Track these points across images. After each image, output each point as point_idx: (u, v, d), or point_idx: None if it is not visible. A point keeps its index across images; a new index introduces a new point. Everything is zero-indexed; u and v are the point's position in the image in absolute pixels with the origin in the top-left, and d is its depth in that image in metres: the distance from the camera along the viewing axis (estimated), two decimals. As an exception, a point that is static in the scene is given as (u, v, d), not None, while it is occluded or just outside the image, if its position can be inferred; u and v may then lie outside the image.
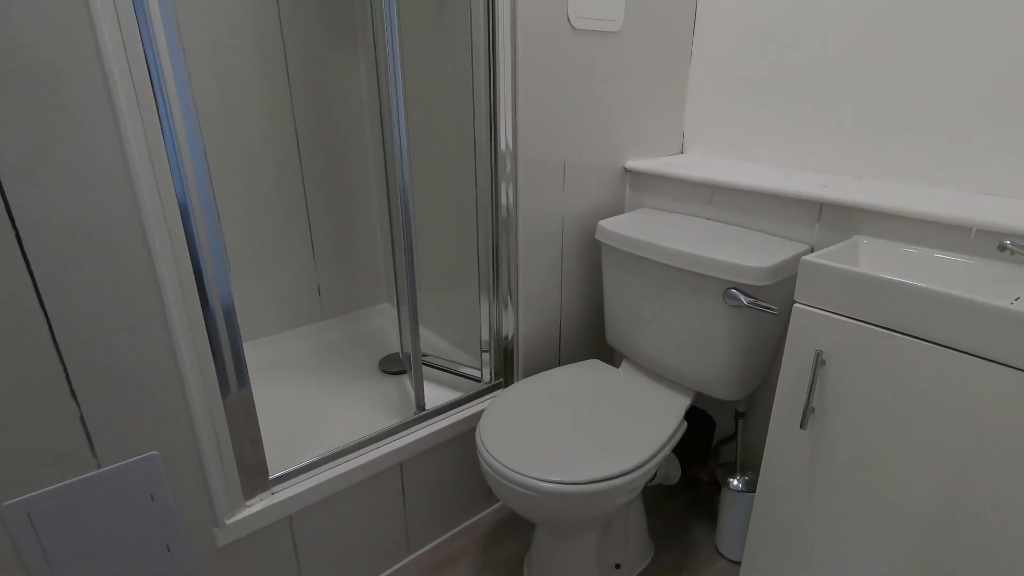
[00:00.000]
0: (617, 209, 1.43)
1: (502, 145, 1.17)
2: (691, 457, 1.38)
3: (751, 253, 1.06)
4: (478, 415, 1.28)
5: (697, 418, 1.40)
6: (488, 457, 0.99)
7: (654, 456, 1.01)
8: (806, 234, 1.12)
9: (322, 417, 1.31)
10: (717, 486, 1.42)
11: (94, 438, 0.79)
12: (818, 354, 0.88)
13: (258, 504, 0.99)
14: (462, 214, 1.40)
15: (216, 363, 0.89)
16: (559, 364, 1.44)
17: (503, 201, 1.22)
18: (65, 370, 0.75)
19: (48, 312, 0.72)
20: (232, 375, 0.91)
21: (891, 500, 0.85)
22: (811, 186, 1.09)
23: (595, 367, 1.29)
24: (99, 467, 0.80)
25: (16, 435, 0.73)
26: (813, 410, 0.93)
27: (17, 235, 0.69)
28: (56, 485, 0.77)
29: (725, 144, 1.41)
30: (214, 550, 0.95)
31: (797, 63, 1.22)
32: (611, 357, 1.58)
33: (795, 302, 0.91)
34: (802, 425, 0.93)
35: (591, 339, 1.50)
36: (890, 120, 1.11)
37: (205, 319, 0.86)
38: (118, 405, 0.80)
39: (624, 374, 1.27)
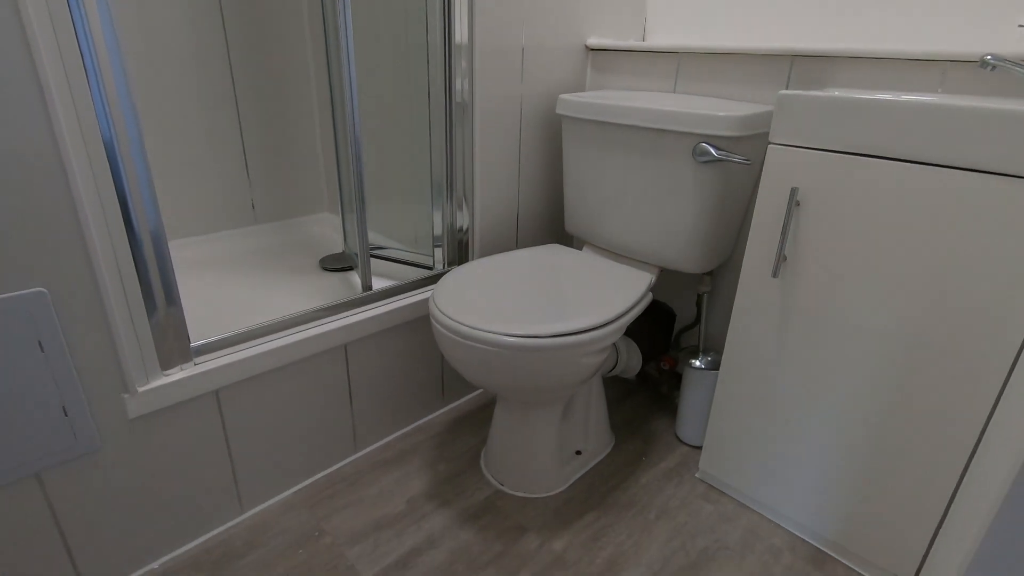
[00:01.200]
0: (579, 86, 1.34)
1: (457, 36, 1.06)
2: (651, 351, 1.34)
3: (721, 109, 1.00)
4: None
5: (658, 311, 1.36)
6: (442, 317, 0.90)
7: (619, 318, 0.95)
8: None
9: (256, 304, 1.18)
10: (677, 380, 1.39)
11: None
12: (793, 192, 0.84)
13: (178, 374, 0.87)
14: (413, 112, 1.28)
15: (116, 188, 0.74)
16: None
17: (458, 97, 1.11)
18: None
19: None
20: (141, 207, 0.77)
21: (862, 344, 0.83)
22: (780, 41, 1.04)
23: (555, 249, 1.22)
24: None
25: None
26: (785, 258, 0.89)
27: None
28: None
29: (688, 27, 1.34)
30: (124, 421, 0.82)
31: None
32: (571, 245, 1.51)
33: (770, 143, 0.86)
34: (774, 273, 0.89)
35: (550, 229, 1.42)
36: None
37: (102, 139, 0.72)
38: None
39: (585, 255, 1.20)
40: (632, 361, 1.24)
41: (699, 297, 1.27)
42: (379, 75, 1.32)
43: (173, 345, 0.86)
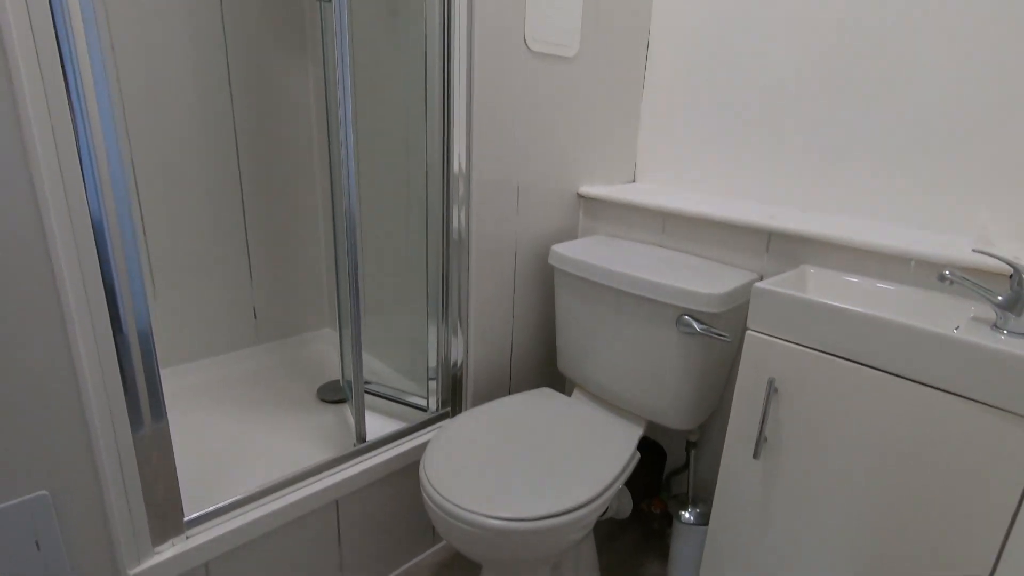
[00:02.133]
0: (571, 235, 1.41)
1: (455, 166, 1.14)
2: (642, 489, 1.34)
3: (704, 280, 1.05)
4: (423, 447, 1.21)
5: (648, 449, 1.37)
6: (431, 491, 0.92)
7: (606, 490, 0.96)
8: (756, 263, 1.13)
9: (252, 449, 1.20)
10: (669, 519, 1.39)
11: (-34, 477, 0.68)
12: (771, 382, 0.87)
13: (169, 550, 0.88)
14: (411, 235, 1.35)
15: (127, 393, 0.79)
16: (510, 392, 1.38)
17: (455, 223, 1.18)
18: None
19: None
20: (145, 406, 0.81)
21: (846, 513, 0.84)
22: (759, 216, 1.11)
23: (546, 396, 1.24)
24: (-31, 512, 0.69)
25: None
26: (766, 439, 0.91)
27: None
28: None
29: (676, 173, 1.43)
30: (113, 605, 0.83)
31: (743, 98, 1.26)
32: (563, 386, 1.54)
33: (747, 329, 0.91)
34: (755, 455, 0.91)
35: (542, 367, 1.46)
36: (833, 154, 1.15)
37: (116, 344, 0.77)
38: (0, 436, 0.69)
39: (575, 403, 1.23)
40: (623, 505, 1.24)
41: (688, 444, 1.28)
42: (381, 192, 1.40)
43: (167, 521, 0.88)
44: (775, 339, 0.88)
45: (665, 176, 1.45)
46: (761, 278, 1.11)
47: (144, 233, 1.42)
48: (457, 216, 1.17)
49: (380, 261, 1.45)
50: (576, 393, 1.30)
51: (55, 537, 0.75)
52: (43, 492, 0.73)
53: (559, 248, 1.24)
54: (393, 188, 1.36)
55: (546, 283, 1.39)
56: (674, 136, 1.41)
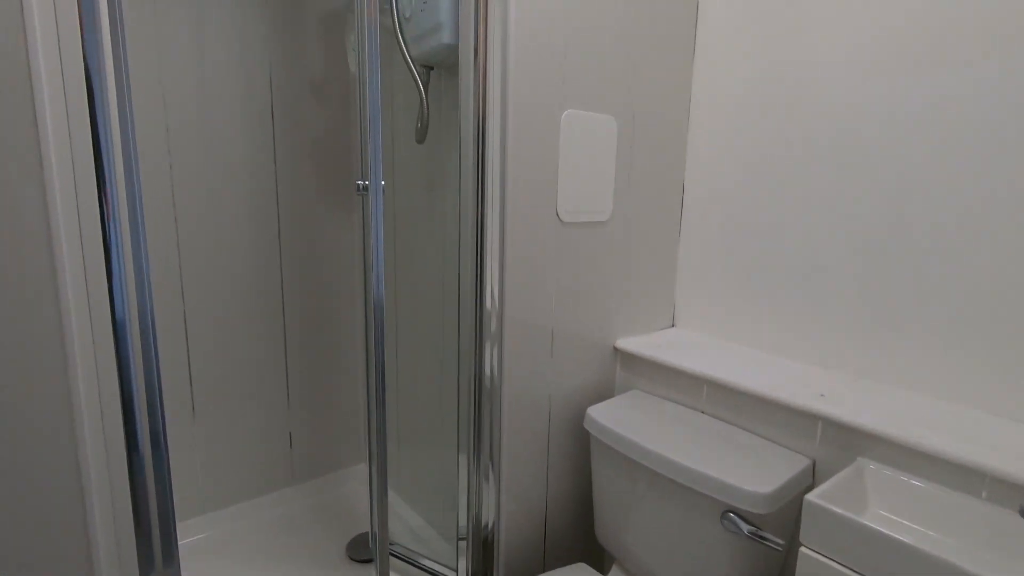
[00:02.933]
0: (608, 388, 1.37)
1: (488, 303, 1.13)
2: None
3: (750, 470, 0.98)
4: (450, 629, 1.13)
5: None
6: None
7: None
8: (807, 445, 1.05)
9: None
10: None
11: None
12: (830, 616, 0.78)
13: None
14: (444, 373, 1.35)
15: (139, 532, 0.77)
16: (543, 565, 1.30)
17: (487, 363, 1.16)
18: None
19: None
20: (158, 553, 0.80)
21: None
22: (808, 394, 1.04)
23: (581, 573, 1.16)
24: None
25: None
26: None
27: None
28: None
29: (716, 322, 1.38)
30: None
31: (784, 250, 1.23)
32: (601, 557, 1.44)
33: (801, 545, 0.83)
34: None
35: (580, 533, 1.38)
36: (886, 319, 1.08)
37: (132, 489, 0.76)
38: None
39: (615, 584, 1.14)
40: None
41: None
42: (415, 331, 1.40)
43: None
44: (833, 563, 0.79)
45: (705, 322, 1.41)
46: (814, 464, 1.03)
47: (188, 358, 1.47)
48: (489, 354, 1.15)
49: (414, 399, 1.44)
50: (615, 570, 1.21)
51: None
52: None
53: (594, 412, 1.20)
54: (428, 327, 1.37)
55: (582, 442, 1.34)
56: (712, 285, 1.38)
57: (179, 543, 1.28)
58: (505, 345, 1.15)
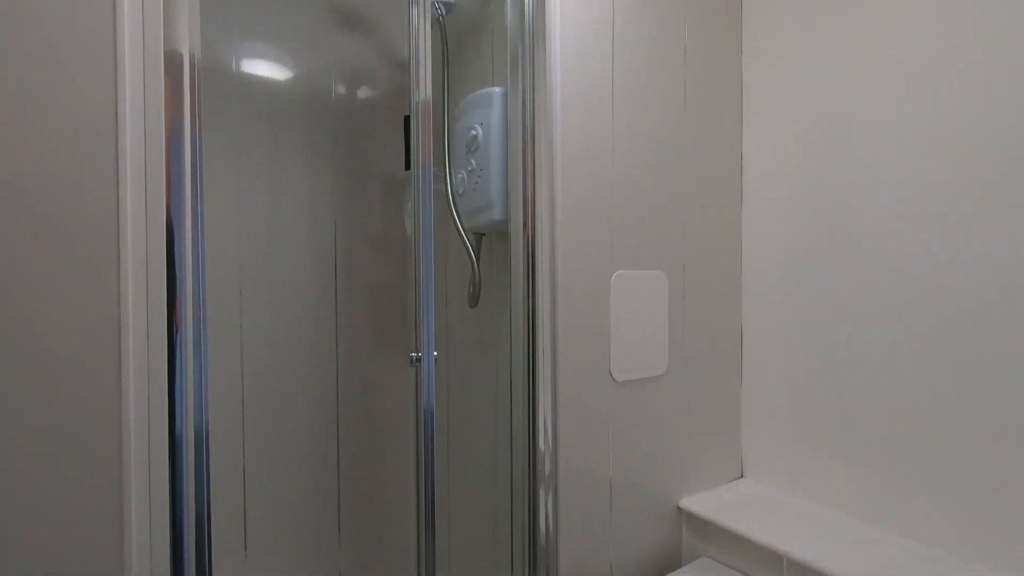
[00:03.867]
0: (674, 553, 1.26)
1: (546, 470, 1.08)
2: None
3: None
4: None
5: None
6: None
7: None
8: (916, 651, 0.90)
9: None
10: None
11: None
12: None
13: None
14: (497, 536, 1.27)
15: None
16: None
17: (541, 518, 1.08)
18: None
19: None
20: None
21: None
22: (910, 587, 0.91)
23: None
24: None
25: None
26: None
27: None
28: None
29: (788, 472, 1.27)
30: None
31: (856, 396, 1.14)
32: None
33: None
34: None
35: None
36: (992, 488, 0.95)
37: None
38: None
39: None
40: None
41: None
42: (466, 491, 1.34)
43: None
44: None
45: (776, 473, 1.30)
46: None
47: (244, 509, 1.46)
48: (544, 504, 1.08)
49: (464, 556, 1.36)
50: None
51: None
52: None
53: (661, 591, 1.09)
54: (482, 484, 1.32)
55: (649, 616, 1.21)
56: (781, 432, 1.29)
57: None
58: (560, 505, 1.09)
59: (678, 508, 1.27)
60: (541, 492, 1.11)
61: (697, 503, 1.24)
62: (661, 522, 1.24)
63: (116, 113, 0.73)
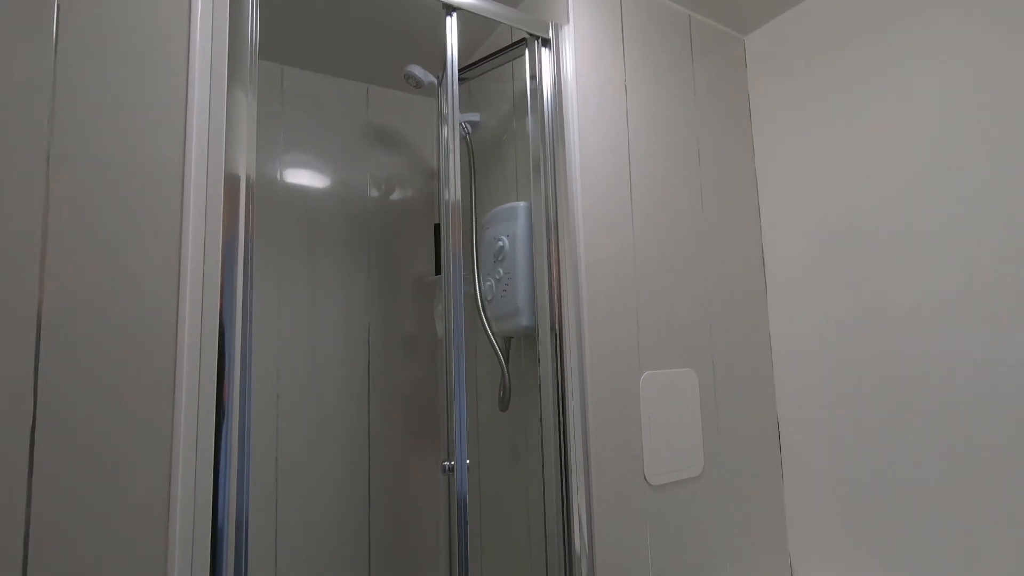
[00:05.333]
0: (726, 678, 1.16)
1: (576, 547, 1.03)
2: None
3: None
4: None
5: None
6: None
7: None
8: None
9: None
10: None
11: None
12: None
13: None
14: None
15: None
16: None
17: None
18: None
19: None
20: None
21: None
22: None
23: None
24: None
25: None
26: None
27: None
28: None
29: (839, 573, 1.19)
30: None
31: (896, 494, 1.07)
32: None
33: None
34: None
35: None
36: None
37: None
38: None
39: None
40: None
41: None
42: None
43: None
44: None
45: (829, 574, 1.21)
46: None
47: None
48: None
49: None
50: None
51: None
52: None
53: None
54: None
55: None
56: (827, 533, 1.21)
57: None
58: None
59: (727, 623, 1.19)
60: None
61: (748, 618, 1.16)
62: (710, 639, 1.16)
63: (180, 230, 0.80)
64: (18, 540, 0.66)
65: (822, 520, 1.24)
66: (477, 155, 1.49)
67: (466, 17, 1.17)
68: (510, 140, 1.38)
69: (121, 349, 0.74)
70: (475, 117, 1.49)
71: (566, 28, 1.17)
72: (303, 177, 1.61)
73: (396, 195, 1.74)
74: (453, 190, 1.08)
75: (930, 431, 1.06)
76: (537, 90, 1.17)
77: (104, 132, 0.76)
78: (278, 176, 1.57)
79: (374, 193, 1.70)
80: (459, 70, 1.11)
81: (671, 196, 1.26)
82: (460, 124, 1.42)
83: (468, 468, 1.03)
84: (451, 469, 1.03)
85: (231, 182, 0.86)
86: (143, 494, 0.73)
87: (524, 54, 1.21)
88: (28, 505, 0.67)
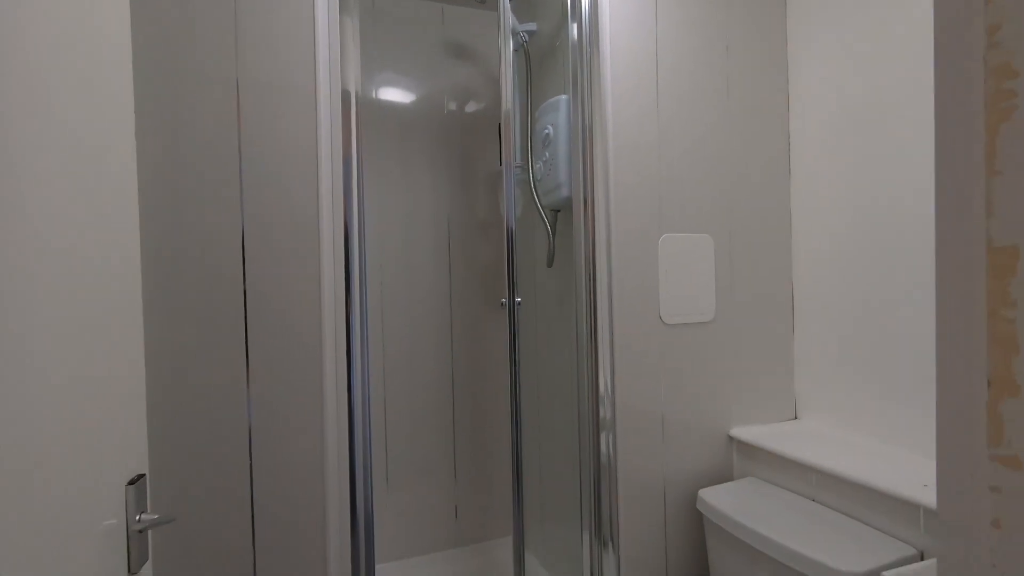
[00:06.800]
0: (724, 474, 1.48)
1: (601, 388, 1.37)
2: None
3: (848, 553, 1.04)
4: None
5: None
6: None
7: None
8: (913, 534, 1.07)
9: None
10: None
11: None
12: None
13: None
14: (579, 458, 1.58)
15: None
16: (665, 635, 1.40)
17: (603, 446, 1.37)
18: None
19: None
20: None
21: None
22: (911, 485, 1.08)
23: (698, 650, 1.25)
24: None
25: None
26: None
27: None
28: None
29: (840, 413, 1.43)
30: None
31: (896, 338, 1.28)
32: None
33: (884, 624, 0.89)
34: None
35: (705, 610, 1.45)
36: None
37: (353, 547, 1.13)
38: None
39: (731, 664, 1.21)
40: None
41: None
42: (552, 422, 1.66)
43: None
44: (914, 642, 0.84)
45: (829, 413, 1.46)
46: (921, 555, 1.05)
47: (386, 442, 1.92)
48: (605, 437, 1.37)
49: (554, 480, 1.68)
50: (733, 652, 1.27)
51: None
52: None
53: (706, 495, 1.33)
54: (564, 417, 1.64)
55: (700, 520, 1.45)
56: (832, 378, 1.45)
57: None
58: (618, 428, 1.38)
59: (729, 437, 1.49)
60: (603, 430, 1.41)
61: (747, 432, 1.45)
62: (712, 449, 1.47)
63: (317, 145, 1.16)
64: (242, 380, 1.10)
65: (825, 370, 1.47)
66: (534, 60, 1.73)
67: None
68: (561, 44, 1.60)
69: (286, 245, 1.13)
70: (532, 27, 1.71)
71: (601, -62, 1.35)
72: (393, 93, 1.94)
73: (470, 102, 2.03)
74: (506, 97, 1.35)
75: (923, 295, 1.25)
76: (577, -6, 1.38)
77: (265, 62, 1.12)
78: (373, 94, 1.91)
79: (451, 102, 2.00)
80: (509, -14, 1.35)
81: (697, 87, 1.45)
82: (519, 34, 1.66)
83: (520, 305, 1.38)
84: (507, 304, 1.38)
85: (345, 101, 1.20)
86: (306, 339, 1.14)
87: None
88: (247, 363, 1.10)
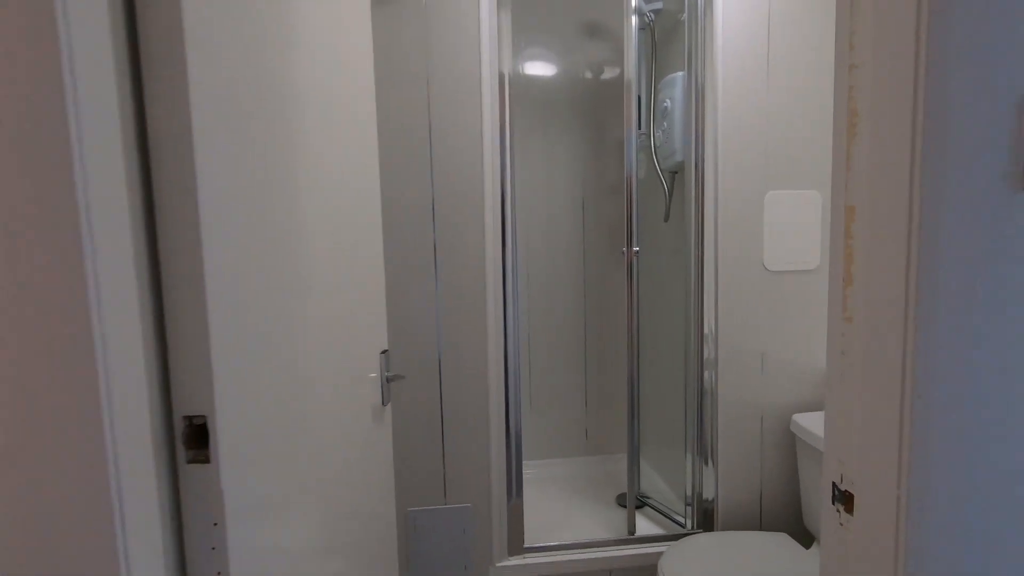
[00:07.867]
0: (817, 405, 1.66)
1: (706, 328, 1.63)
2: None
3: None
4: (677, 554, 1.62)
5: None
6: None
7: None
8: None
9: (568, 522, 1.86)
10: None
11: (448, 486, 1.55)
12: None
13: (516, 560, 1.59)
14: (687, 386, 1.86)
15: (507, 467, 1.57)
16: (760, 527, 1.66)
17: (707, 377, 1.64)
18: (442, 431, 1.54)
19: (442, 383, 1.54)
20: (514, 479, 1.58)
21: None
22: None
23: (780, 541, 1.50)
24: (445, 503, 1.55)
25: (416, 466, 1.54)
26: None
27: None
28: (429, 508, 1.54)
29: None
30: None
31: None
32: (808, 534, 1.68)
33: None
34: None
35: (790, 512, 1.67)
36: None
37: (507, 441, 1.57)
38: (459, 470, 1.55)
39: (811, 558, 1.44)
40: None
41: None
42: (664, 353, 1.95)
43: (516, 543, 1.59)
44: None
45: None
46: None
47: (530, 372, 2.35)
48: (709, 369, 1.63)
49: (665, 405, 1.98)
50: (815, 548, 1.50)
51: (472, 532, 1.55)
52: (468, 504, 1.55)
53: (799, 419, 1.54)
54: (675, 352, 1.92)
55: (793, 442, 1.66)
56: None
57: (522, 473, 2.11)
58: (720, 363, 1.63)
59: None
60: (706, 356, 1.66)
61: (846, 370, 1.61)
62: (808, 383, 1.65)
63: (481, 120, 1.54)
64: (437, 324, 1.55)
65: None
66: (659, 37, 1.93)
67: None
68: (682, 24, 1.79)
69: (461, 210, 1.54)
70: (659, 5, 1.91)
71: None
72: (536, 68, 2.27)
73: (604, 75, 2.29)
74: (628, 70, 1.61)
75: None
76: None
77: (446, 58, 1.52)
78: (519, 70, 2.25)
79: (588, 75, 2.28)
80: (632, -18, 1.58)
81: (806, 60, 1.56)
82: (645, 13, 1.88)
83: (639, 255, 1.67)
84: (626, 254, 1.68)
85: (501, 83, 1.56)
86: (474, 285, 1.56)
87: (686, -46, 1.60)
88: (435, 290, 1.55)
